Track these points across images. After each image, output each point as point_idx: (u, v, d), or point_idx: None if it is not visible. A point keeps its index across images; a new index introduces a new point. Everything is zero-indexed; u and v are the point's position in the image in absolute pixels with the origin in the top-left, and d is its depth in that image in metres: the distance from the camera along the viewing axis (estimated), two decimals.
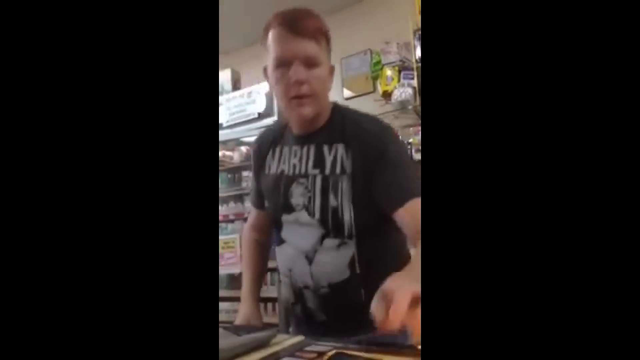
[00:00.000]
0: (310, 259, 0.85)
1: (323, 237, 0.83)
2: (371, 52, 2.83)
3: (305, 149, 0.88)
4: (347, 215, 0.82)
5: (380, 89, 2.71)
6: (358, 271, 0.83)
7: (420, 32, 2.48)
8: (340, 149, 0.84)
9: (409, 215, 0.78)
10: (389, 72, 2.65)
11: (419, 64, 2.49)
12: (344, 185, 0.82)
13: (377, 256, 0.84)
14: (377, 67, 2.78)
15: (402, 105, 2.53)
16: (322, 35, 0.82)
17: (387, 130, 0.85)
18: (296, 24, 0.79)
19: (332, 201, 0.82)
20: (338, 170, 0.83)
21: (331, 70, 0.87)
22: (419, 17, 2.42)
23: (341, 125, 0.86)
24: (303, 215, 0.85)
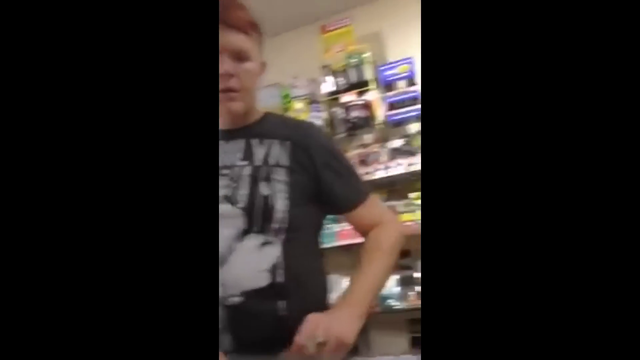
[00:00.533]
0: (222, 261, 0.70)
1: (245, 233, 0.72)
2: (280, 86, 2.94)
3: (231, 143, 0.81)
4: (280, 206, 0.73)
5: None
6: (281, 279, 0.71)
7: (326, 69, 2.66)
8: (276, 144, 0.79)
9: (364, 215, 0.81)
10: (298, 105, 2.77)
11: (327, 98, 2.67)
12: (280, 176, 0.75)
13: (305, 266, 0.75)
14: (287, 100, 2.89)
15: None
16: (252, 29, 0.78)
17: (330, 137, 0.88)
18: (225, 15, 0.73)
19: (264, 190, 0.74)
20: (272, 162, 0.77)
21: (262, 65, 0.83)
22: (325, 55, 2.61)
23: (280, 124, 0.84)
24: (222, 207, 0.73)
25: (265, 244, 0.72)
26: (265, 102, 2.99)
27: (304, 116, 2.76)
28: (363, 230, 0.84)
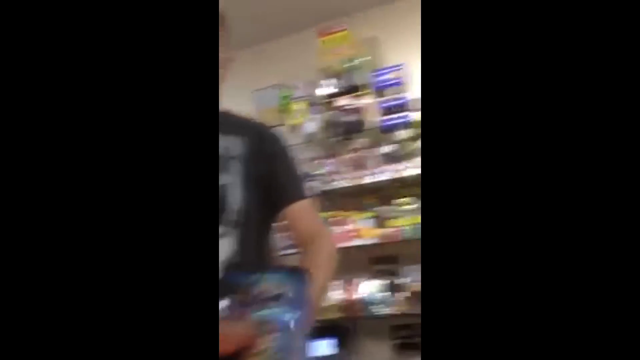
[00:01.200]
0: None
1: None
2: (280, 87, 2.97)
3: None
4: (237, 196, 0.75)
5: (289, 122, 2.84)
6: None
7: (324, 72, 2.68)
8: (233, 136, 0.80)
9: (298, 214, 0.81)
10: (296, 106, 2.79)
11: (324, 101, 2.68)
12: (236, 167, 0.77)
13: (258, 261, 0.76)
14: (286, 101, 2.92)
15: (309, 139, 2.67)
16: (220, 21, 0.78)
17: (278, 131, 0.89)
18: None
19: (220, 179, 0.74)
20: (230, 153, 0.78)
21: (227, 60, 0.83)
22: (323, 58, 2.62)
23: (237, 117, 0.86)
24: None
25: (223, 234, 0.73)
26: (264, 103, 3.02)
27: (302, 118, 2.79)
28: (297, 231, 0.83)
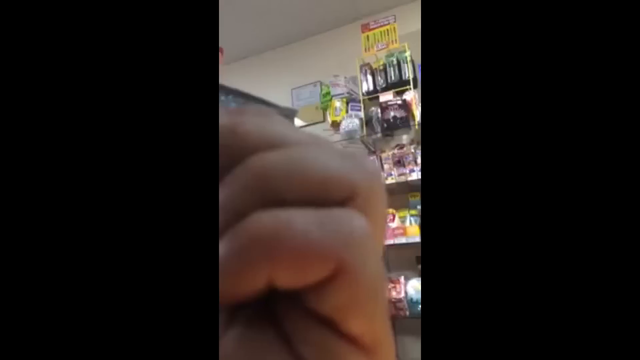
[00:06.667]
0: None
1: None
2: (321, 84, 2.96)
3: None
4: None
5: (329, 119, 2.83)
6: None
7: (366, 68, 2.65)
8: None
9: None
10: (337, 103, 2.77)
11: (365, 97, 2.65)
12: None
13: None
14: (327, 99, 2.90)
15: (350, 135, 2.65)
16: None
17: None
18: None
19: None
20: None
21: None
22: (365, 54, 2.59)
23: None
24: None
25: None
26: (306, 100, 3.02)
27: (342, 115, 2.77)
28: None
